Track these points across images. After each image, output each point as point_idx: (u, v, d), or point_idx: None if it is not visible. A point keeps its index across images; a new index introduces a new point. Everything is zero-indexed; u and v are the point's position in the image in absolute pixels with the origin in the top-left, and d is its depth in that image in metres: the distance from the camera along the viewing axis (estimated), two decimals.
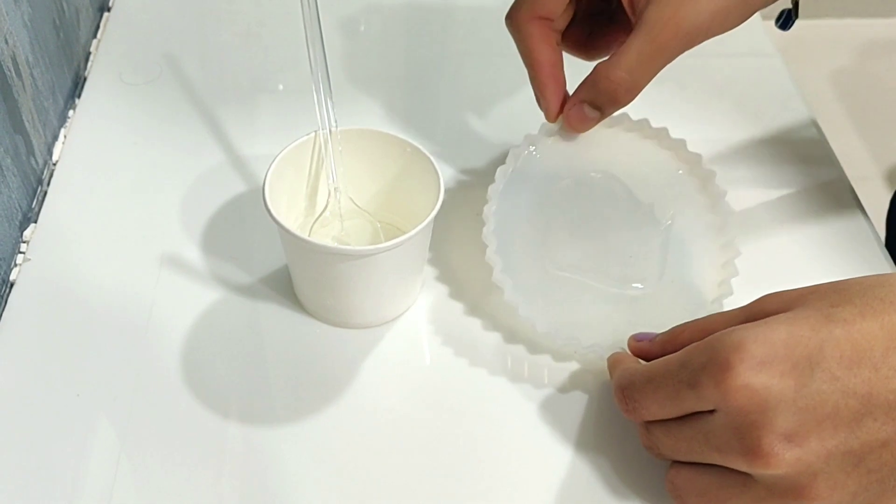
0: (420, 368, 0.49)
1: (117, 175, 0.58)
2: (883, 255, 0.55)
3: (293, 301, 0.51)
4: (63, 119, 0.61)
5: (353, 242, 0.51)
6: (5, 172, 0.51)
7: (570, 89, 0.50)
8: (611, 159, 0.52)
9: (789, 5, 0.53)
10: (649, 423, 0.42)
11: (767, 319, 0.38)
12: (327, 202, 0.50)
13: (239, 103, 0.64)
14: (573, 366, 0.49)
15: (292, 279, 0.51)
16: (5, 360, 0.48)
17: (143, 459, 0.44)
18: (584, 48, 0.53)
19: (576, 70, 0.49)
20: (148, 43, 0.69)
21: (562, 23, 0.51)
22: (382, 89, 0.66)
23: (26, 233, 0.54)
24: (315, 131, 0.49)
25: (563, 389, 0.48)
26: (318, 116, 0.48)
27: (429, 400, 0.47)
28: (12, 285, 0.51)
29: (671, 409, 0.40)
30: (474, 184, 0.59)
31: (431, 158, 0.48)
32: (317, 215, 0.51)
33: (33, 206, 0.55)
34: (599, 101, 0.48)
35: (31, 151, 0.55)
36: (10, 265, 0.52)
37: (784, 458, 0.36)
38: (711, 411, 0.38)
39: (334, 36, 0.70)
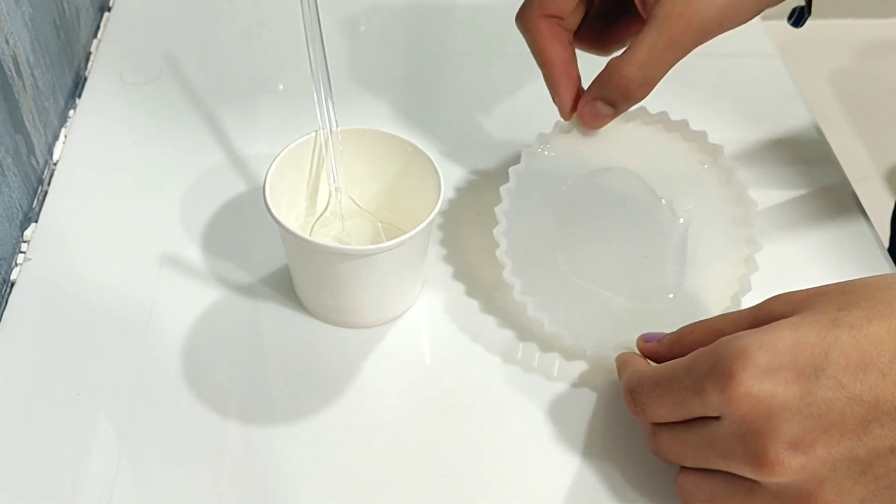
0: (420, 368, 0.49)
1: (118, 175, 0.58)
2: (883, 256, 0.55)
3: (293, 301, 0.51)
4: (63, 119, 0.61)
5: (353, 242, 0.51)
6: (6, 172, 0.51)
7: (586, 86, 0.50)
8: (628, 154, 0.51)
9: (802, 2, 0.53)
10: (656, 429, 0.42)
11: (773, 325, 0.38)
12: (328, 202, 0.50)
13: (239, 103, 0.64)
14: (579, 365, 0.49)
15: (293, 279, 0.51)
16: (6, 359, 0.48)
17: (143, 459, 0.44)
18: (599, 44, 0.52)
19: (591, 67, 0.49)
20: (148, 43, 0.69)
21: (573, 21, 0.51)
22: (383, 89, 0.66)
23: (27, 232, 0.54)
24: (315, 131, 0.49)
25: (568, 389, 0.48)
26: (319, 116, 0.48)
27: (429, 399, 0.47)
28: (13, 285, 0.51)
29: (677, 414, 0.40)
30: (474, 183, 0.59)
31: (432, 158, 0.48)
32: (317, 215, 0.51)
33: (34, 205, 0.55)
34: (612, 97, 0.48)
35: (31, 151, 0.55)
36: (10, 265, 0.52)
37: (790, 465, 0.36)
38: (717, 417, 0.38)
39: (335, 36, 0.70)
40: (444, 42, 0.71)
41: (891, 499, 0.36)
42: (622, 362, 0.46)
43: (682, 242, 0.50)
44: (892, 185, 1.58)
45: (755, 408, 0.36)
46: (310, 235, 0.48)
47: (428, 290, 0.52)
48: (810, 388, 0.36)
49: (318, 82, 0.47)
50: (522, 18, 0.50)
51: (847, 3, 1.74)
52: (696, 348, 0.40)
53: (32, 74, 0.56)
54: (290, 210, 0.50)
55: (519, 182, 0.50)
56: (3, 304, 0.50)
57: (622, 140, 0.51)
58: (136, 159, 0.59)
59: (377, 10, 0.74)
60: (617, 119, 0.50)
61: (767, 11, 0.49)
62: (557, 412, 0.47)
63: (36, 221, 0.55)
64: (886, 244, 0.58)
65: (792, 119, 0.65)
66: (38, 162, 0.56)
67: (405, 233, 0.45)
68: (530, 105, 0.65)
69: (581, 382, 0.48)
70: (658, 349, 0.45)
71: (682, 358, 0.40)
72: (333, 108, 0.48)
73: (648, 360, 0.45)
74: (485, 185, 0.59)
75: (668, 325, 0.45)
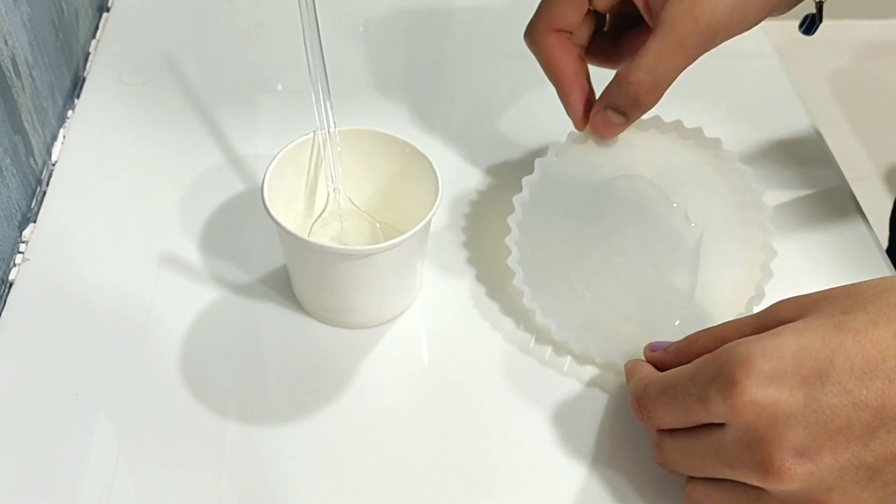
0: (419, 368, 0.49)
1: (116, 175, 0.58)
2: (881, 257, 0.55)
3: (292, 301, 0.51)
4: (62, 119, 0.61)
5: (351, 242, 0.51)
6: (4, 173, 0.51)
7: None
8: (643, 163, 0.51)
9: (810, 9, 0.53)
10: (661, 440, 0.42)
11: (776, 330, 0.38)
12: (326, 202, 0.50)
13: (238, 103, 0.64)
14: (578, 366, 0.49)
15: (291, 279, 0.51)
16: (4, 359, 0.48)
17: (141, 459, 0.44)
18: (612, 58, 0.52)
19: (605, 81, 0.49)
20: (147, 43, 0.69)
21: (582, 36, 0.51)
22: (381, 89, 0.66)
23: (25, 233, 0.54)
24: (314, 131, 0.49)
25: (568, 390, 0.48)
26: (317, 117, 0.48)
27: (427, 400, 0.47)
28: (11, 285, 0.51)
29: (683, 421, 0.40)
30: (472, 183, 0.59)
31: (430, 159, 0.48)
32: (316, 215, 0.51)
33: (32, 206, 0.55)
34: (622, 105, 0.48)
35: (30, 152, 0.55)
36: (9, 265, 0.52)
37: (796, 473, 0.35)
38: (722, 425, 0.38)
39: (333, 36, 0.70)
40: (443, 43, 0.72)
41: None
42: (630, 369, 0.46)
43: (696, 250, 0.49)
44: (891, 185, 1.58)
45: (759, 415, 0.36)
46: (308, 236, 0.49)
47: (426, 291, 0.52)
48: (815, 395, 0.35)
49: (317, 83, 0.47)
50: (530, 35, 0.50)
51: (845, 3, 1.74)
52: (702, 356, 0.40)
53: (31, 75, 0.56)
54: (288, 210, 0.50)
55: (532, 192, 0.50)
56: (2, 304, 0.50)
57: (636, 149, 0.51)
58: (135, 159, 0.59)
59: (376, 10, 0.74)
60: (632, 128, 0.50)
61: None
62: (558, 413, 0.47)
63: (34, 222, 0.55)
64: (885, 245, 0.58)
65: (790, 120, 0.65)
66: (36, 162, 0.56)
67: (403, 233, 0.45)
68: (530, 105, 0.65)
69: (581, 384, 0.48)
70: (664, 357, 0.45)
71: (687, 365, 0.40)
72: (332, 109, 0.48)
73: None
74: (483, 185, 0.59)
75: (679, 334, 0.45)
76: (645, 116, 0.50)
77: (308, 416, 0.46)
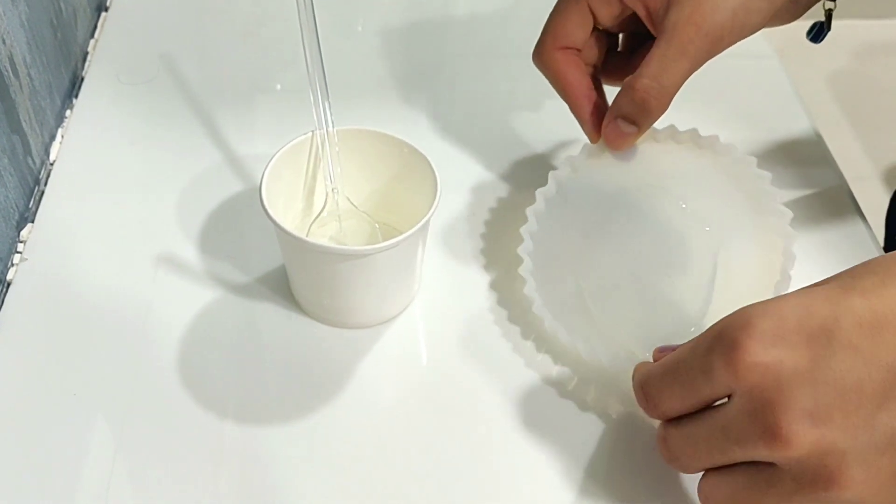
0: (417, 368, 0.49)
1: (114, 175, 0.58)
2: (877, 254, 0.55)
3: (290, 301, 0.51)
4: (60, 119, 0.61)
5: (350, 242, 0.51)
6: (2, 172, 0.51)
7: None
8: (659, 173, 0.50)
9: (819, 18, 0.53)
10: (667, 430, 0.40)
11: (779, 296, 0.37)
12: (325, 202, 0.50)
13: (236, 103, 0.64)
14: (579, 367, 0.49)
15: (289, 279, 0.51)
16: (2, 360, 0.47)
17: (139, 459, 0.44)
18: (627, 77, 0.52)
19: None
20: (145, 43, 0.69)
21: (592, 55, 0.51)
22: (380, 89, 0.66)
23: (23, 232, 0.54)
24: (312, 131, 0.49)
25: (568, 391, 0.48)
26: (315, 116, 0.48)
27: (426, 400, 0.47)
28: (9, 285, 0.51)
29: (688, 400, 0.38)
30: (471, 183, 0.59)
31: (429, 159, 0.48)
32: (314, 215, 0.51)
33: (30, 205, 0.55)
34: (631, 113, 0.48)
35: (28, 151, 0.55)
36: (6, 265, 0.51)
37: (807, 436, 0.33)
38: (727, 402, 0.36)
39: (332, 36, 0.70)
40: (443, 42, 0.71)
41: None
42: (636, 369, 0.44)
43: (713, 259, 0.48)
44: (890, 185, 1.58)
45: (764, 376, 0.34)
46: (306, 236, 0.48)
47: (425, 290, 0.52)
48: (822, 353, 0.34)
49: (315, 83, 0.47)
50: (538, 54, 0.51)
51: (845, 4, 1.74)
52: None
53: (29, 74, 0.56)
54: (286, 210, 0.50)
55: (547, 204, 0.50)
56: (0, 304, 0.50)
57: (653, 160, 0.50)
58: (133, 159, 0.59)
59: (375, 10, 0.74)
60: (648, 140, 0.50)
61: None
62: (558, 413, 0.47)
63: (32, 221, 0.55)
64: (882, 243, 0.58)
65: (790, 120, 0.65)
66: (34, 162, 0.56)
67: (402, 233, 0.45)
68: (529, 106, 0.65)
69: (581, 385, 0.48)
70: None
71: (688, 342, 0.39)
72: (330, 109, 0.48)
73: None
74: (482, 185, 0.58)
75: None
76: (659, 126, 0.49)
77: (306, 416, 0.46)
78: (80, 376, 0.47)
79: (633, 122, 0.48)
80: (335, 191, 0.50)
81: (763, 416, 0.34)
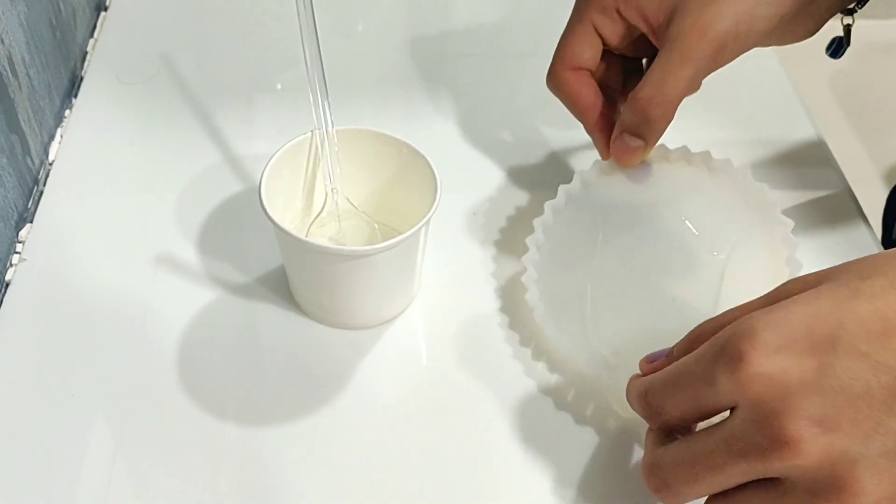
0: (417, 368, 0.49)
1: (114, 175, 0.58)
2: None
3: (289, 301, 0.51)
4: (59, 119, 0.61)
5: (349, 243, 0.51)
6: (1, 172, 0.51)
7: None
8: (668, 194, 0.50)
9: (837, 32, 0.53)
10: (657, 456, 0.38)
11: (785, 301, 0.35)
12: (324, 202, 0.50)
13: (236, 103, 0.64)
14: (578, 376, 0.48)
15: (289, 279, 0.51)
16: (1, 360, 0.47)
17: (138, 460, 0.44)
18: None
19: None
20: (145, 42, 0.68)
21: (608, 77, 0.51)
22: (380, 89, 0.66)
23: (22, 233, 0.54)
24: (311, 131, 0.49)
25: (567, 392, 0.48)
26: (315, 116, 0.48)
27: (425, 400, 0.47)
28: (8, 285, 0.51)
29: (691, 410, 0.37)
30: (470, 184, 0.58)
31: (428, 159, 0.48)
32: (314, 216, 0.51)
33: (29, 205, 0.55)
34: (635, 124, 0.47)
35: (27, 151, 0.55)
36: (5, 265, 0.51)
37: (816, 443, 0.32)
38: (730, 418, 0.35)
39: (331, 36, 0.70)
40: (443, 42, 0.71)
41: None
42: (631, 381, 0.42)
43: (719, 281, 0.48)
44: (890, 186, 1.58)
45: (770, 387, 0.33)
46: (306, 236, 0.48)
47: (425, 291, 0.52)
48: (828, 360, 0.33)
49: (314, 82, 0.47)
50: (550, 77, 0.51)
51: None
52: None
53: (28, 74, 0.56)
54: (286, 210, 0.50)
55: (556, 218, 0.50)
56: None
57: (661, 178, 0.50)
58: (133, 159, 0.59)
59: (374, 9, 0.74)
60: (660, 160, 0.50)
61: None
62: (557, 413, 0.47)
63: (31, 222, 0.54)
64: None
65: (790, 121, 0.65)
66: (33, 162, 0.56)
67: (402, 234, 0.44)
68: (529, 106, 0.65)
69: (579, 387, 0.48)
70: (667, 364, 0.40)
71: (692, 352, 0.37)
72: (329, 109, 0.48)
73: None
74: (481, 185, 0.58)
75: None
76: (671, 146, 0.49)
77: (306, 417, 0.46)
78: (80, 376, 0.47)
79: (638, 135, 0.48)
80: (335, 191, 0.50)
81: (769, 424, 0.33)
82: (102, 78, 0.65)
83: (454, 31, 0.73)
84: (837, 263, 0.51)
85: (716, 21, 0.45)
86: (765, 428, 0.33)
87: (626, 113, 0.48)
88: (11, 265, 0.52)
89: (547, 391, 0.48)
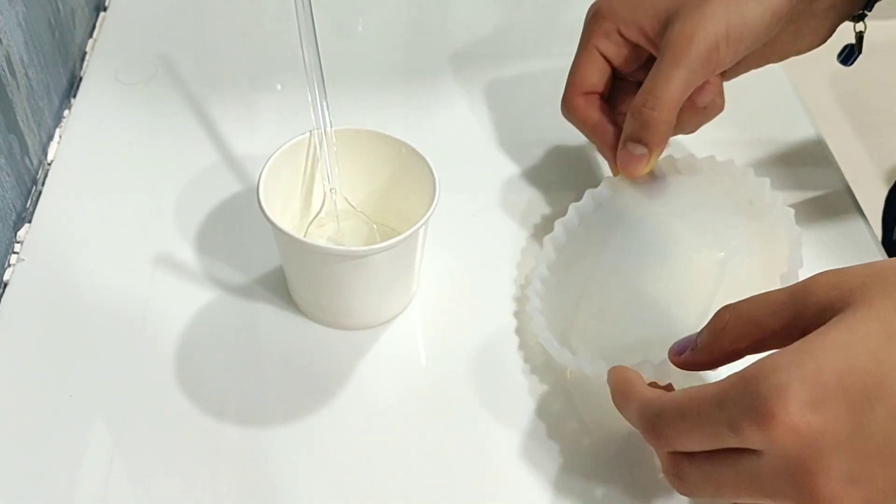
0: (416, 369, 0.49)
1: (112, 175, 0.58)
2: (881, 258, 0.55)
3: (288, 302, 0.51)
4: (58, 119, 0.61)
5: (348, 243, 0.51)
6: None
7: None
8: (678, 203, 0.50)
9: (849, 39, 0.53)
10: (680, 466, 0.37)
11: (816, 343, 0.33)
12: (323, 203, 0.50)
13: (235, 103, 0.64)
14: (578, 380, 0.48)
15: (287, 280, 0.50)
16: None
17: (137, 461, 0.44)
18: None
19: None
20: (144, 42, 0.68)
21: (619, 103, 0.52)
22: (379, 89, 0.66)
23: (20, 233, 0.53)
24: (310, 131, 0.49)
25: (567, 394, 0.48)
26: (313, 116, 0.48)
27: (425, 400, 0.47)
28: (6, 285, 0.51)
29: (709, 446, 0.36)
30: (469, 184, 0.58)
31: (427, 159, 0.48)
32: (312, 216, 0.51)
33: (27, 206, 0.55)
34: (635, 131, 0.48)
35: (25, 151, 0.55)
36: (3, 265, 0.51)
37: (850, 499, 0.32)
38: (758, 459, 0.34)
39: (331, 36, 0.70)
40: (442, 42, 0.71)
41: None
42: (620, 380, 0.41)
43: (719, 280, 0.47)
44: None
45: (802, 445, 0.32)
46: (304, 236, 0.48)
47: (423, 291, 0.52)
48: (864, 422, 0.32)
49: (313, 82, 0.47)
50: (564, 104, 0.53)
51: None
52: (738, 346, 0.37)
53: (26, 74, 0.56)
54: (284, 211, 0.50)
55: (568, 235, 0.51)
56: None
57: (669, 190, 0.50)
58: (131, 159, 0.59)
59: (375, 9, 0.73)
60: (669, 171, 0.50)
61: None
62: (557, 413, 0.47)
63: (29, 222, 0.54)
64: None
65: (791, 121, 0.65)
66: (31, 162, 0.56)
67: (400, 234, 0.44)
68: (529, 106, 0.65)
69: (578, 388, 0.48)
70: (696, 359, 0.40)
71: (708, 388, 0.35)
72: (328, 109, 0.48)
73: (648, 383, 0.42)
74: (481, 186, 0.58)
75: None
76: (677, 156, 0.50)
77: (305, 417, 0.46)
78: (78, 377, 0.47)
79: (639, 140, 0.48)
80: (333, 191, 0.50)
81: (801, 480, 0.33)
82: (101, 78, 0.65)
83: (454, 31, 0.73)
84: (837, 263, 0.51)
85: (705, 23, 0.46)
86: (796, 483, 0.33)
87: (627, 122, 0.49)
88: (10, 265, 0.52)
89: (547, 392, 0.47)
